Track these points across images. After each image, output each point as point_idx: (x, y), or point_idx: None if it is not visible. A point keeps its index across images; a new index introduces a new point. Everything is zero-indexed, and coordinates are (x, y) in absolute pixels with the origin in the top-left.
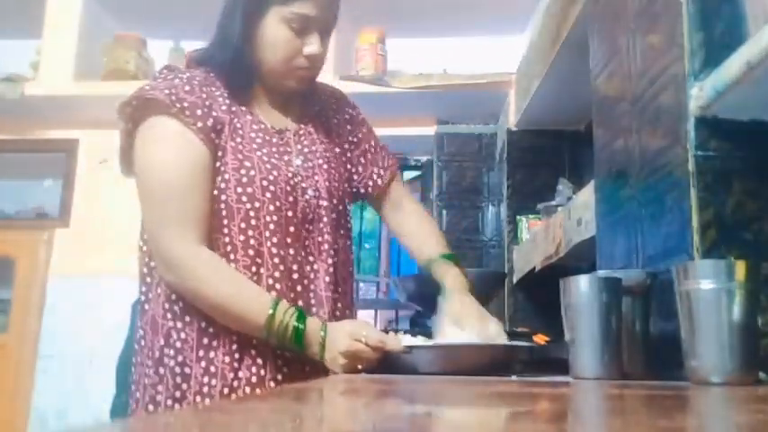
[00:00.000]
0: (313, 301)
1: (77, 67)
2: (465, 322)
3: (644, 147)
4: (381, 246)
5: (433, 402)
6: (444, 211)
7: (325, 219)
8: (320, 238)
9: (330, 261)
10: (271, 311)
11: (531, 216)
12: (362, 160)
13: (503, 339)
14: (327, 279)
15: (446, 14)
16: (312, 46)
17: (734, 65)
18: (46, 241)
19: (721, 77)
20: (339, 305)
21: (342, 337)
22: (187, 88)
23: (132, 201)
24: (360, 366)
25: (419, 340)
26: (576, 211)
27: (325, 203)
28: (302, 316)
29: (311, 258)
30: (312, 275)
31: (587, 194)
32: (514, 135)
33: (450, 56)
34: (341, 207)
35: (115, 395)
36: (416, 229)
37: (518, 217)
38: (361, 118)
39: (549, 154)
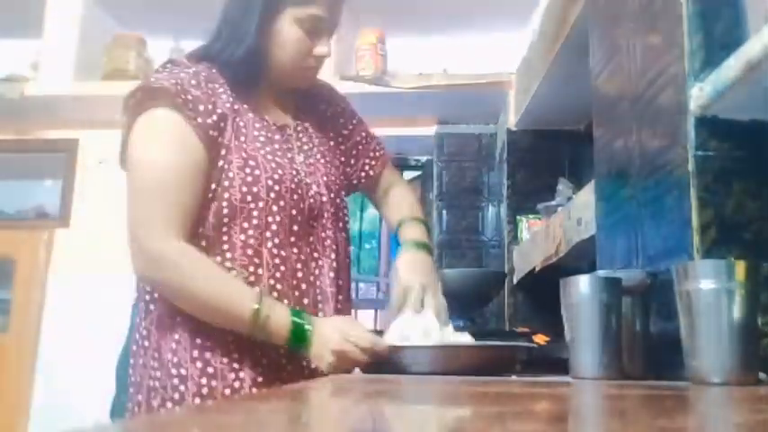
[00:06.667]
0: (319, 298)
1: (77, 67)
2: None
3: (644, 147)
4: (381, 246)
5: (433, 402)
6: (444, 211)
7: (326, 214)
8: (323, 234)
9: (333, 256)
10: (256, 306)
11: (531, 216)
12: (354, 152)
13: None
14: (332, 275)
15: (446, 14)
16: (323, 47)
17: (734, 65)
18: (46, 241)
19: (721, 77)
20: (340, 297)
21: (332, 334)
22: (193, 82)
23: None
24: (346, 368)
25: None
26: (576, 211)
27: (325, 198)
28: (296, 311)
29: (316, 255)
30: (317, 272)
31: (587, 194)
32: (514, 135)
33: (451, 55)
34: (338, 200)
35: (115, 395)
36: (392, 200)
37: (518, 217)
38: (351, 110)
39: (549, 154)
